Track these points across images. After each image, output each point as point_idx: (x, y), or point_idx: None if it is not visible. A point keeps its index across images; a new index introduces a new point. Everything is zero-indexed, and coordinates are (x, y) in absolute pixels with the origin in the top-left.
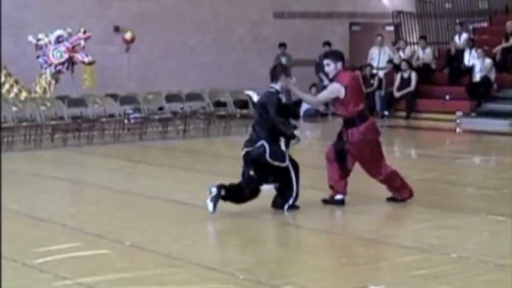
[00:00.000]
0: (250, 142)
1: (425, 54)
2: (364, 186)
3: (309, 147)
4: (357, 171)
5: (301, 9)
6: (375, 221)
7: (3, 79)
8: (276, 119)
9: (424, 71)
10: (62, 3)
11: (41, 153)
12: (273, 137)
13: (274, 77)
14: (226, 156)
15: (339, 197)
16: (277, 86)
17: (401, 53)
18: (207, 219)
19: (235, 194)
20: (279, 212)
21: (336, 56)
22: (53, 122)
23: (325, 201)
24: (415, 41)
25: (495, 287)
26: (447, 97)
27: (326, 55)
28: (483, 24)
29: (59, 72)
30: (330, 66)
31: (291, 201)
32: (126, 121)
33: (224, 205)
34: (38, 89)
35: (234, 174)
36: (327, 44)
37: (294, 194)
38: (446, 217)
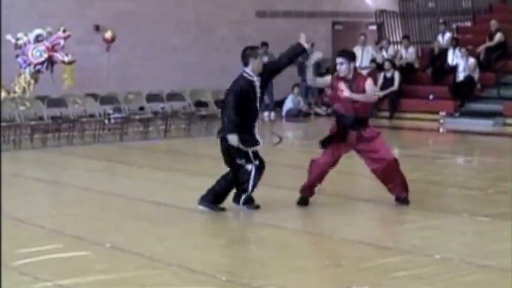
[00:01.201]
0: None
1: (408, 54)
2: (345, 187)
3: (291, 147)
4: (340, 171)
5: (284, 8)
6: (357, 222)
7: None
8: (229, 113)
9: (407, 71)
10: (42, 3)
11: (20, 153)
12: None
13: (244, 62)
14: (208, 156)
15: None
16: (248, 70)
17: (384, 53)
18: (189, 221)
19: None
20: (260, 213)
21: (351, 56)
22: (33, 122)
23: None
24: (398, 40)
25: None
26: (430, 97)
27: (341, 54)
28: (467, 23)
29: (38, 71)
30: (343, 66)
31: (246, 195)
32: (106, 121)
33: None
34: (17, 88)
35: (215, 175)
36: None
37: (250, 189)
38: (429, 218)
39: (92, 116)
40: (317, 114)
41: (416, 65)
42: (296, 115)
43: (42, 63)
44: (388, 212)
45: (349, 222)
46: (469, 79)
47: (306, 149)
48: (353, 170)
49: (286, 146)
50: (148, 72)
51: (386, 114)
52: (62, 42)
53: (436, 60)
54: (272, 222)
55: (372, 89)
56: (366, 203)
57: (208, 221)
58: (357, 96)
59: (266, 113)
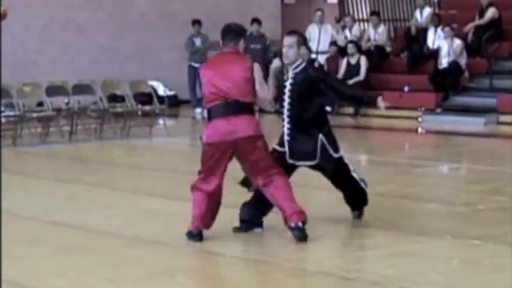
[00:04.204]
0: None
1: (377, 34)
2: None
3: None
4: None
5: None
6: (314, 247)
7: None
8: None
9: (377, 55)
10: None
11: None
12: None
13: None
14: (124, 165)
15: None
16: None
17: (347, 33)
18: (98, 247)
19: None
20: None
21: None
22: None
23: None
24: (364, 17)
25: None
26: (406, 88)
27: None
28: None
29: None
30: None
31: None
32: None
33: (133, 230)
34: None
35: (133, 188)
36: (256, 21)
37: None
38: (404, 241)
39: None
40: (263, 111)
41: (388, 49)
42: None
43: None
44: (352, 234)
45: (304, 247)
46: (454, 66)
47: None
48: (307, 181)
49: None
50: (47, 57)
51: (350, 110)
52: None
53: (413, 43)
54: (211, 249)
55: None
56: (323, 223)
57: (126, 247)
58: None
59: (198, 110)
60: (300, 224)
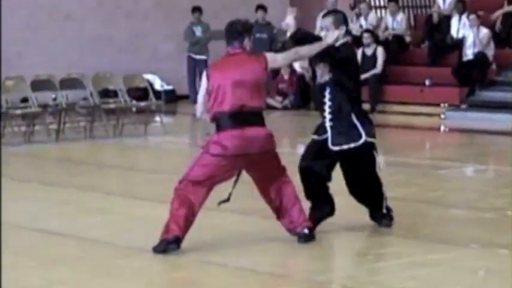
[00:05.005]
0: None
1: (396, 23)
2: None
3: None
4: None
5: None
6: (327, 257)
7: None
8: None
9: (395, 46)
10: None
11: None
12: None
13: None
14: (117, 166)
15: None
16: None
17: (362, 21)
18: (89, 257)
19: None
20: (198, 247)
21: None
22: None
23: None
24: (382, 4)
25: None
26: (427, 82)
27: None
28: None
29: None
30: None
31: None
32: None
33: (128, 238)
34: None
35: (126, 192)
36: (261, 8)
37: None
38: (426, 250)
39: None
40: (269, 107)
41: (408, 39)
42: None
43: None
44: (368, 242)
45: (315, 257)
46: (480, 57)
47: None
48: None
49: None
50: (33, 48)
51: (366, 106)
52: None
53: (435, 32)
54: (213, 259)
55: None
56: (336, 230)
57: (120, 257)
58: None
59: None
60: (306, 231)
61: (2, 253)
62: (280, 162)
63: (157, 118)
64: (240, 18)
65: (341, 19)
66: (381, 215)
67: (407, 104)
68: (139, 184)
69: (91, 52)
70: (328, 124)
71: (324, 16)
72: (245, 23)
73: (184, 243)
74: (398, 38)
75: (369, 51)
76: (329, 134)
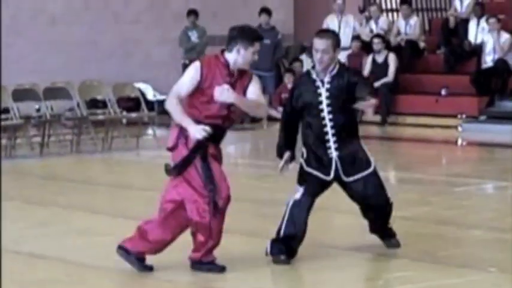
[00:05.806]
0: None
1: (409, 27)
2: (317, 228)
3: (234, 169)
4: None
5: None
6: (336, 280)
7: None
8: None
9: (408, 52)
10: None
11: None
12: None
13: None
14: (105, 183)
15: None
16: None
17: (372, 25)
18: (77, 282)
19: None
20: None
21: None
22: None
23: None
24: (393, 7)
25: None
26: (443, 92)
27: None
28: None
29: None
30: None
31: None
32: None
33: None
34: None
35: (116, 212)
36: (265, 11)
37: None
38: (441, 275)
39: None
40: (271, 119)
41: (422, 44)
42: (240, 120)
43: None
44: (378, 265)
45: (321, 282)
46: (501, 65)
47: (257, 171)
48: (326, 203)
49: (229, 167)
50: (14, 55)
51: (377, 118)
52: None
53: (452, 37)
54: (214, 284)
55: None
56: (344, 252)
57: (110, 281)
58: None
59: None
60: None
61: None
62: None
63: (150, 131)
64: (247, 25)
65: (339, 41)
66: (388, 233)
67: (421, 116)
68: (130, 203)
69: (78, 59)
70: (334, 154)
71: (321, 36)
72: (253, 30)
73: (179, 265)
74: (411, 44)
75: (379, 58)
76: (338, 165)
